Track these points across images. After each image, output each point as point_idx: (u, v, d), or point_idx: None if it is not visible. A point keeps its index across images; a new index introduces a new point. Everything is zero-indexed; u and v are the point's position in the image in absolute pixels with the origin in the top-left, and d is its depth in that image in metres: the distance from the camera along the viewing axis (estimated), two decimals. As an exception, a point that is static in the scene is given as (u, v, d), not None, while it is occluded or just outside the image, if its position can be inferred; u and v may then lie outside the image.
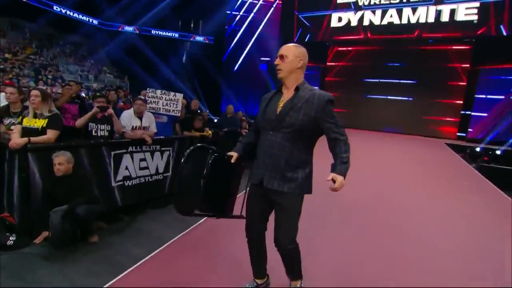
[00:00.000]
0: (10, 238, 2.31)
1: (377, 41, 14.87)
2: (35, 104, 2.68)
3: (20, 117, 2.76)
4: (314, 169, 1.65)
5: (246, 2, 18.20)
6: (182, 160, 1.60)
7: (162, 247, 2.50)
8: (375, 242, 2.88)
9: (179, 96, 3.68)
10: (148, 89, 3.68)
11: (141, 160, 3.42)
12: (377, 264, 2.45)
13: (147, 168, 3.52)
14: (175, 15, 19.12)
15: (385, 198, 4.34)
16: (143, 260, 2.28)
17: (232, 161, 1.70)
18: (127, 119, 3.21)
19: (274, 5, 17.46)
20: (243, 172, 1.89)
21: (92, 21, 18.27)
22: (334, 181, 1.42)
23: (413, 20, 13.86)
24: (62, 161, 2.23)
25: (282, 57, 1.58)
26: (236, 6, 18.41)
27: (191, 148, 1.62)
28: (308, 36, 16.07)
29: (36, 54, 13.87)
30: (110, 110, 2.93)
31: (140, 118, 3.32)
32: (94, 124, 2.95)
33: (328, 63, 16.34)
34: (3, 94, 3.11)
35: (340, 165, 1.46)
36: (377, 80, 15.36)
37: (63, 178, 2.27)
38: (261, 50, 17.78)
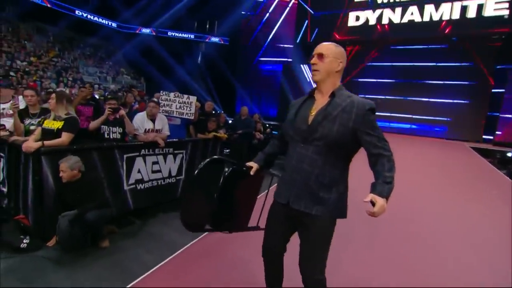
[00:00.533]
0: (24, 241, 2.32)
1: (397, 40, 14.37)
2: (51, 106, 2.74)
3: (42, 118, 2.81)
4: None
5: (262, 2, 18.13)
6: (195, 172, 1.48)
7: (174, 254, 2.44)
8: (402, 257, 2.69)
9: (193, 98, 3.63)
10: (161, 92, 3.65)
11: (154, 163, 3.38)
12: (404, 282, 2.27)
13: (159, 171, 3.48)
14: (190, 16, 19.36)
15: (411, 208, 4.06)
16: (155, 268, 2.22)
17: (251, 173, 1.56)
18: (140, 121, 3.18)
19: (290, 5, 17.29)
20: (262, 182, 1.76)
21: (111, 24, 18.85)
22: (373, 204, 1.21)
23: (436, 17, 13.29)
24: (64, 168, 2.20)
25: (320, 56, 1.38)
26: (252, 7, 18.37)
27: (207, 160, 1.50)
28: (324, 36, 15.76)
29: (58, 57, 14.42)
30: (122, 111, 2.90)
31: (153, 120, 3.28)
32: (106, 127, 2.94)
33: (347, 63, 15.96)
34: (21, 96, 3.17)
35: (382, 185, 1.24)
36: (394, 81, 14.85)
37: (71, 183, 2.24)
38: (276, 51, 17.66)
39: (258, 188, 1.74)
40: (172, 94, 3.59)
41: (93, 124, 2.87)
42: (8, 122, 2.96)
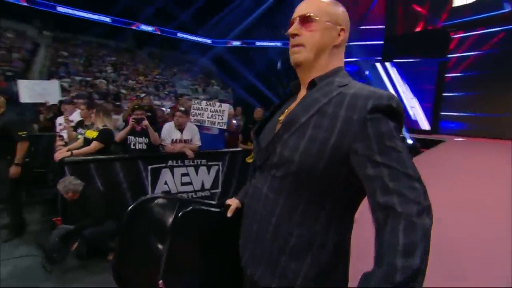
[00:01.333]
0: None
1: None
2: (92, 118, 2.99)
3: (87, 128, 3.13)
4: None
5: (346, -2, 16.78)
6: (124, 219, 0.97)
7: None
8: None
9: (225, 106, 3.37)
10: (193, 100, 3.55)
11: (183, 175, 3.27)
12: None
13: (190, 183, 3.35)
14: (276, 24, 19.85)
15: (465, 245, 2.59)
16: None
17: (229, 214, 0.99)
18: (167, 131, 3.12)
19: (379, -4, 15.29)
20: None
21: (206, 41, 21.35)
22: None
23: None
24: (60, 190, 2.27)
25: (306, 19, 0.77)
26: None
27: (139, 200, 0.99)
28: (422, 23, 13.15)
29: (160, 74, 17.12)
30: (145, 122, 2.89)
31: (181, 130, 3.17)
32: (133, 137, 2.98)
33: (450, 55, 12.80)
34: (78, 111, 3.63)
35: (383, 283, 0.55)
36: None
37: (73, 201, 2.30)
38: (364, 49, 15.92)
39: None
40: (204, 103, 3.42)
41: (119, 135, 2.97)
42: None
